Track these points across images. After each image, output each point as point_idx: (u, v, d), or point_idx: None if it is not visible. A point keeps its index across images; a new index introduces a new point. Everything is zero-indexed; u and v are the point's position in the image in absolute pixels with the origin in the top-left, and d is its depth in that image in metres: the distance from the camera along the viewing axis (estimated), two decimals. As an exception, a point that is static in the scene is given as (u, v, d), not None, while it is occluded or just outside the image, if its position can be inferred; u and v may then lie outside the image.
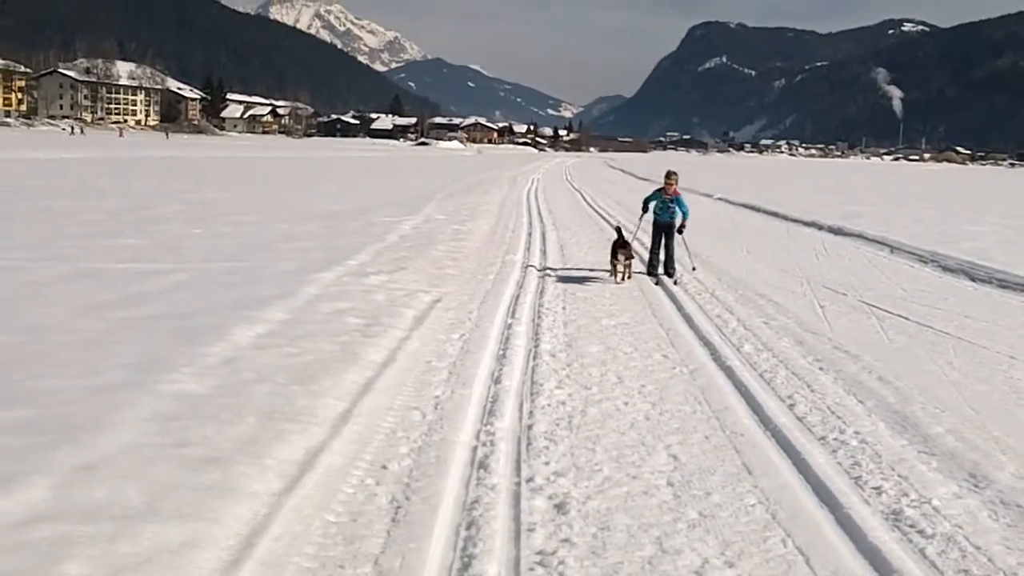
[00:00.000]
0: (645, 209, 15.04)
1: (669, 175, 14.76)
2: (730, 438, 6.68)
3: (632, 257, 14.19)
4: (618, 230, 14.60)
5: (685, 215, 14.60)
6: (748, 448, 6.47)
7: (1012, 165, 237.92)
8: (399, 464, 5.90)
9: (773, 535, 5.01)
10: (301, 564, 4.46)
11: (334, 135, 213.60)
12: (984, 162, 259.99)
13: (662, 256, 14.63)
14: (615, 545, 4.85)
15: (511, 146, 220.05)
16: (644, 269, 14.90)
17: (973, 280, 14.97)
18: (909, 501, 5.50)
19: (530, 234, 20.91)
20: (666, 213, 14.61)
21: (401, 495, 5.38)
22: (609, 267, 14.22)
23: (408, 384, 7.78)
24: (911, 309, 11.95)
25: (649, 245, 15.16)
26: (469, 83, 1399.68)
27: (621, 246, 13.96)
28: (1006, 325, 11.10)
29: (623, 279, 13.87)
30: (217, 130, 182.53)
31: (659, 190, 14.80)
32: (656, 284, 13.86)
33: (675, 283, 13.79)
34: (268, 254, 14.32)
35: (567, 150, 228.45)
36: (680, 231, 14.57)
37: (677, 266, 14.58)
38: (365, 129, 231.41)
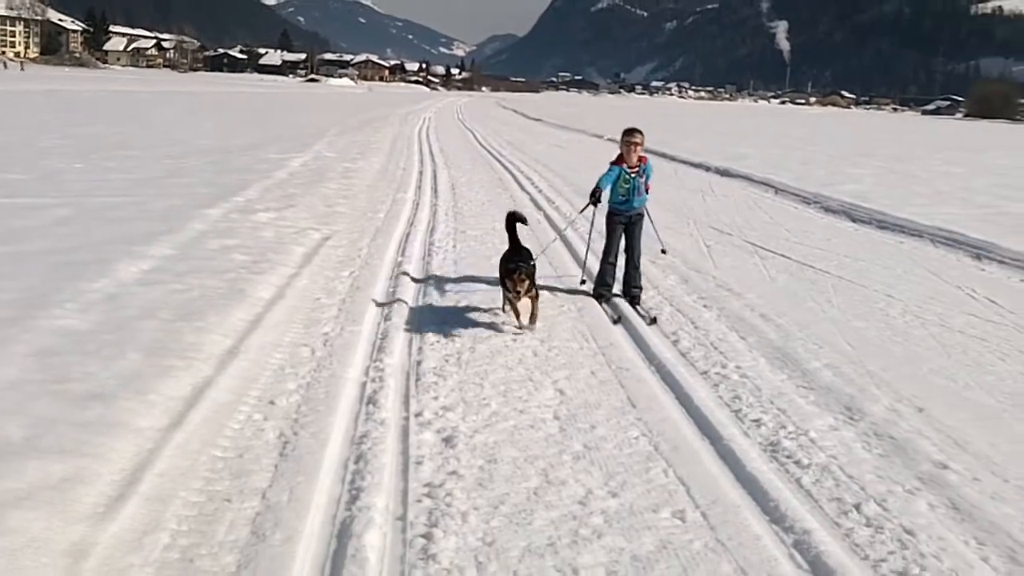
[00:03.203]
0: (597, 199, 8.90)
1: (631, 133, 9.11)
2: (616, 373, 6.82)
3: (535, 282, 7.90)
4: (510, 222, 8.60)
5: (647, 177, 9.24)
6: (633, 383, 6.62)
7: (895, 110, 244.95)
8: (287, 400, 5.88)
9: (655, 466, 5.15)
10: (188, 499, 4.43)
11: (221, 70, 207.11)
12: (868, 106, 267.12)
13: (620, 268, 9.26)
14: (501, 477, 4.93)
15: (403, 84, 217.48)
16: (590, 286, 9.44)
17: (854, 221, 15.46)
18: (787, 433, 5.71)
19: (421, 172, 20.79)
20: (631, 197, 9.06)
21: (289, 430, 5.37)
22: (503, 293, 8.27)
23: (297, 321, 7.74)
24: (793, 249, 12.30)
25: (593, 248, 10.02)
26: (360, 19, 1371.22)
27: (513, 260, 7.96)
28: (883, 264, 11.51)
29: (528, 320, 7.91)
30: (100, 63, 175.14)
31: (617, 161, 9.07)
32: (616, 323, 8.34)
33: (652, 321, 8.36)
34: (153, 189, 13.93)
35: (459, 89, 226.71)
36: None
37: (644, 280, 9.43)
38: (253, 65, 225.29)
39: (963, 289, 10.18)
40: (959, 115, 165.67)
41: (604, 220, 9.30)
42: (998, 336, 8.19)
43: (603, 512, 4.58)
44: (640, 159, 9.08)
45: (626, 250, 9.17)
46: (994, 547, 4.35)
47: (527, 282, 7.66)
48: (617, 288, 9.26)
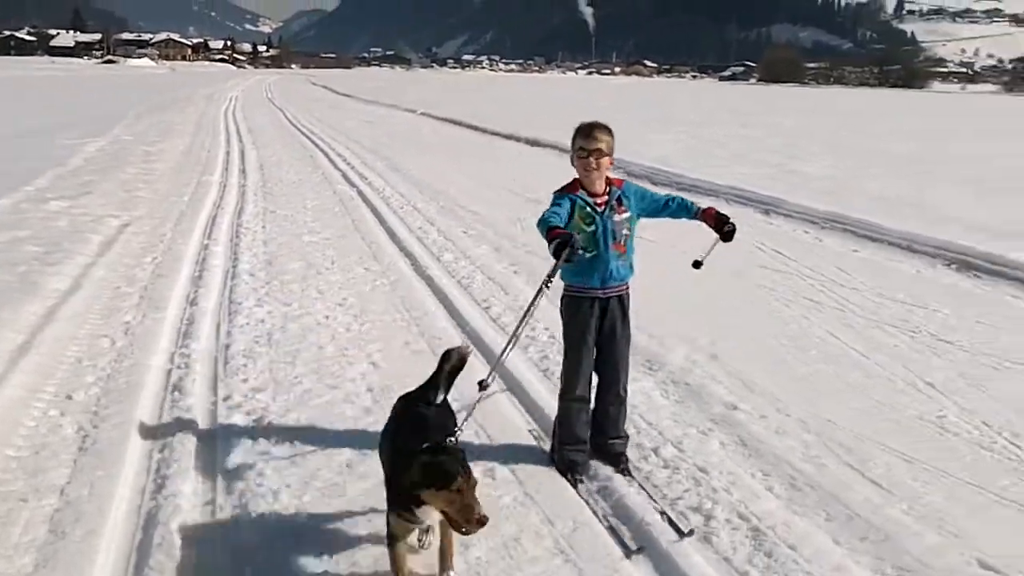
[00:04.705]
0: (572, 249, 4.25)
1: (589, 131, 4.70)
2: (429, 342, 6.85)
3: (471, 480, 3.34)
4: (455, 359, 4.32)
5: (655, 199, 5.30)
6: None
7: (694, 77, 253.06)
8: (86, 393, 5.70)
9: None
10: (-21, 503, 4.25)
11: (9, 54, 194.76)
12: (670, 75, 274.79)
13: (593, 398, 4.90)
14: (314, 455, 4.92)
15: (208, 63, 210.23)
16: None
17: (654, 184, 15.93)
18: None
19: (228, 153, 20.33)
20: (603, 254, 4.87)
21: (88, 424, 5.21)
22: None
23: (95, 311, 7.50)
24: (598, 213, 12.59)
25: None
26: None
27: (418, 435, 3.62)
28: (678, 224, 11.88)
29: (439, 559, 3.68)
30: None
31: (566, 189, 4.85)
32: (637, 553, 4.01)
33: (686, 534, 4.09)
34: (-69, 184, 13.12)
35: (268, 67, 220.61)
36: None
37: (630, 427, 5.09)
38: (44, 47, 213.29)
39: (753, 243, 10.72)
40: (752, 80, 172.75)
41: (565, 320, 4.95)
42: (784, 285, 8.74)
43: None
44: (611, 181, 4.89)
45: (602, 372, 4.92)
46: (778, 477, 4.69)
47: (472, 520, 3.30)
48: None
